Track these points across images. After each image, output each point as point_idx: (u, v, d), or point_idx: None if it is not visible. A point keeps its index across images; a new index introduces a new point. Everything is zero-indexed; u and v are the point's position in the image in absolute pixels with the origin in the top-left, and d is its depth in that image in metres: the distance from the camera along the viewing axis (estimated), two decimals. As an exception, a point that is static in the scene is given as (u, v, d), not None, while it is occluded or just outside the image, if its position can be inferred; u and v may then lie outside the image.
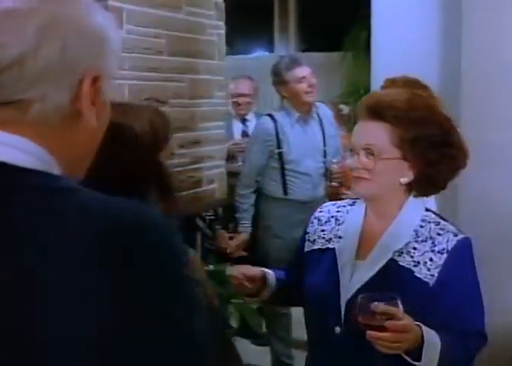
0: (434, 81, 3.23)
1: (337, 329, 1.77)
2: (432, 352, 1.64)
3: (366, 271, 1.77)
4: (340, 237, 1.86)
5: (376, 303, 1.59)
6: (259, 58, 7.57)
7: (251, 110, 5.11)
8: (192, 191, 3.33)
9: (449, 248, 1.75)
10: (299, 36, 7.93)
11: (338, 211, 1.93)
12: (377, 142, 1.75)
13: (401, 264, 1.75)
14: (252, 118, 5.03)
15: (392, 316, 1.57)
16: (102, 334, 0.81)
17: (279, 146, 3.81)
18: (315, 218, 1.96)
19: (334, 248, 1.85)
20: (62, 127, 0.93)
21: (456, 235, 1.79)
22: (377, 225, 1.82)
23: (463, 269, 1.78)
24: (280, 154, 3.81)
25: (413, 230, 1.78)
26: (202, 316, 0.92)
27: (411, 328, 1.60)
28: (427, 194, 1.87)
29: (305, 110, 3.89)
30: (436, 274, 1.73)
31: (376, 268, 1.76)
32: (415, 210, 1.82)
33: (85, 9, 0.97)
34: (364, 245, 1.81)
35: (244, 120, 5.08)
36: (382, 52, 3.93)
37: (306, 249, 1.93)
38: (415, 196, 1.83)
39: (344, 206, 1.94)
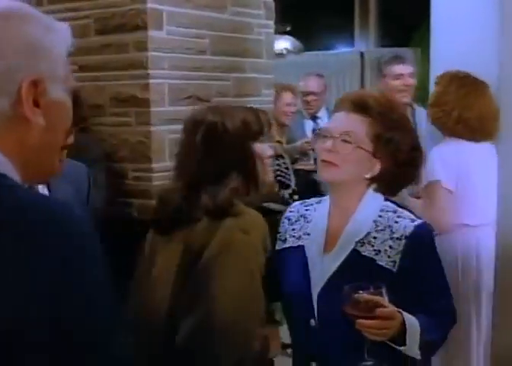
0: (494, 82, 3.18)
1: (312, 322, 1.85)
2: (414, 336, 1.72)
3: (332, 263, 1.86)
4: (308, 234, 1.95)
5: (360, 292, 1.66)
6: (339, 54, 7.57)
7: (321, 107, 5.09)
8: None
9: (407, 234, 1.82)
10: (378, 32, 7.85)
11: (307, 210, 2.02)
12: (357, 131, 1.86)
13: (363, 253, 1.83)
14: (323, 115, 5.00)
15: (377, 305, 1.65)
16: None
17: None
18: (286, 218, 2.06)
19: (303, 245, 1.94)
20: (10, 130, 1.02)
21: (413, 221, 1.86)
22: (340, 219, 1.91)
23: (425, 253, 1.86)
24: None
25: (372, 221, 1.87)
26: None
27: (396, 314, 1.68)
28: (384, 193, 1.94)
29: None
30: (397, 261, 1.80)
31: (340, 260, 1.85)
32: (374, 201, 1.91)
33: (20, 21, 1.05)
34: (330, 239, 1.90)
35: (314, 118, 5.08)
36: (440, 51, 3.88)
37: (278, 248, 2.02)
38: (374, 190, 1.93)
39: (312, 204, 2.04)
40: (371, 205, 1.89)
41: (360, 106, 1.88)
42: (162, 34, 3.00)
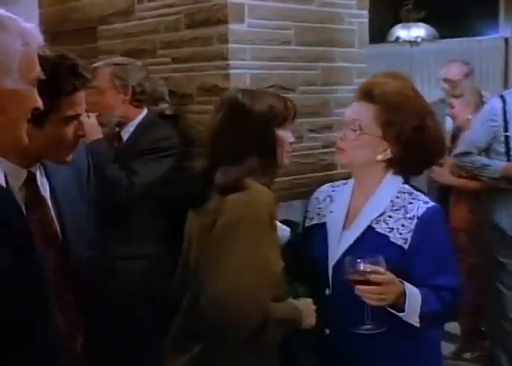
0: None
1: (327, 291, 2.02)
2: (413, 304, 1.87)
3: (349, 238, 2.00)
4: (331, 212, 2.10)
5: (359, 260, 1.84)
6: (482, 40, 7.28)
7: (461, 95, 4.94)
8: (323, 174, 3.50)
9: (419, 215, 1.95)
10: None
11: (333, 191, 2.16)
12: (363, 118, 2.00)
13: (377, 230, 1.97)
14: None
15: (374, 272, 1.82)
16: None
17: (506, 129, 3.66)
18: (314, 198, 2.21)
19: (326, 222, 2.09)
20: None
21: (426, 203, 1.98)
22: (360, 199, 2.05)
23: (434, 233, 1.97)
24: (507, 138, 3.65)
25: (389, 201, 1.99)
26: None
27: (392, 281, 1.84)
28: (404, 174, 2.05)
29: None
30: (409, 238, 1.94)
31: (356, 235, 1.99)
32: (393, 184, 2.03)
33: None
34: (350, 218, 2.04)
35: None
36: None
37: (306, 225, 2.18)
38: (394, 173, 2.04)
39: (338, 186, 2.18)
40: (389, 186, 2.02)
41: (366, 94, 2.01)
42: (243, 27, 3.16)
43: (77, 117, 1.84)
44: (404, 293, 1.86)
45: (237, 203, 1.88)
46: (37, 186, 1.86)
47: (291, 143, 2.10)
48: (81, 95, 1.83)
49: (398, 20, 6.86)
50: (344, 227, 2.04)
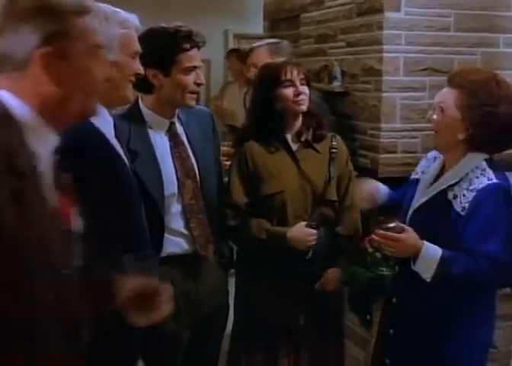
0: None
1: None
2: (426, 262, 2.18)
3: (424, 197, 2.35)
4: (425, 173, 2.46)
5: (381, 218, 2.26)
6: None
7: None
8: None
9: (479, 188, 2.19)
10: None
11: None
12: (446, 102, 2.29)
13: (447, 196, 2.27)
14: None
15: (384, 228, 2.21)
16: None
17: None
18: (425, 156, 2.57)
19: (419, 179, 2.48)
20: None
21: (490, 179, 2.21)
22: (448, 168, 2.35)
23: (487, 205, 2.18)
24: None
25: (465, 173, 2.25)
26: None
27: (400, 239, 2.19)
28: (484, 152, 2.29)
29: None
30: (466, 207, 2.19)
31: (429, 196, 2.33)
32: (473, 159, 2.28)
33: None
34: (436, 180, 2.36)
35: None
36: None
37: (412, 177, 2.56)
38: (474, 151, 2.29)
39: None
40: (470, 161, 2.28)
41: (451, 80, 2.32)
42: (400, 15, 3.55)
43: (194, 68, 2.44)
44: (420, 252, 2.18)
45: None
46: (177, 131, 2.53)
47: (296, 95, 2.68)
48: (196, 52, 2.45)
49: None
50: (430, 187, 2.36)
